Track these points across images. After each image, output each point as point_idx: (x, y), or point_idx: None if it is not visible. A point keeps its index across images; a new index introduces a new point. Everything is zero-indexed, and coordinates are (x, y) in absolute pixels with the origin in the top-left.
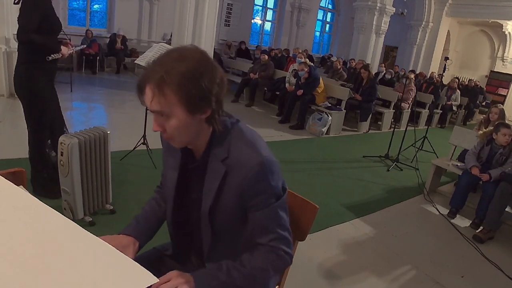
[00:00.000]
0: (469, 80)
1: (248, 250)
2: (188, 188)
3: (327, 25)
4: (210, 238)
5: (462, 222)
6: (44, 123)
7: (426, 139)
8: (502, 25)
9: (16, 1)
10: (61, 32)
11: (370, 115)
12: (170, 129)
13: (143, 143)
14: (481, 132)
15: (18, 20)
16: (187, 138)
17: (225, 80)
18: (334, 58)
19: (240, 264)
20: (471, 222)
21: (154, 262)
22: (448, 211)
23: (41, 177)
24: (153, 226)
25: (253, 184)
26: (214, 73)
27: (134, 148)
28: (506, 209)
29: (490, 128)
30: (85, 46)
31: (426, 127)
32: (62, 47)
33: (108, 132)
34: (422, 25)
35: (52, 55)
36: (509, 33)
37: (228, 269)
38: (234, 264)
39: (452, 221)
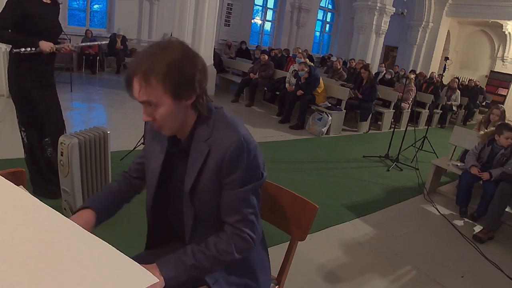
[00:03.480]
0: (469, 80)
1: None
2: (171, 174)
3: (327, 25)
4: (192, 220)
5: (462, 222)
6: (31, 124)
7: (426, 139)
8: (502, 25)
9: None
10: (63, 33)
11: (370, 115)
12: (159, 118)
13: (143, 143)
14: (482, 132)
15: None
16: (175, 124)
17: (206, 67)
18: (334, 58)
19: (205, 247)
20: (471, 213)
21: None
22: (459, 211)
23: (38, 178)
24: (112, 204)
25: (229, 160)
26: (195, 61)
27: (134, 148)
28: (506, 209)
29: (492, 128)
30: (107, 42)
31: (426, 127)
32: (42, 42)
33: (108, 132)
34: (422, 25)
35: (21, 49)
36: (509, 33)
37: (194, 252)
38: (199, 247)
39: (452, 221)
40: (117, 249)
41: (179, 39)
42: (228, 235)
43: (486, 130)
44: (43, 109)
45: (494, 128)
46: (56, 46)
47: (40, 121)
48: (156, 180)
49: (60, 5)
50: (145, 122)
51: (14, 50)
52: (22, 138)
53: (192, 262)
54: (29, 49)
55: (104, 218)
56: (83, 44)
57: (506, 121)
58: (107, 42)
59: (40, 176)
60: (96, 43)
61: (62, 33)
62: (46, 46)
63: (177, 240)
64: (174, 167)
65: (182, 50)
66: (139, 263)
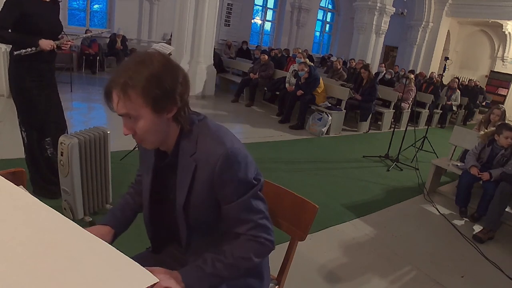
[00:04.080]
0: (469, 80)
1: (229, 239)
2: (163, 188)
3: (327, 25)
4: (186, 232)
5: (462, 222)
6: (31, 124)
7: (426, 139)
8: (502, 25)
9: None
10: (62, 33)
11: (370, 115)
12: (140, 131)
13: None
14: (482, 132)
15: None
16: (157, 138)
17: (188, 79)
18: (334, 58)
19: (223, 256)
20: (471, 214)
21: (154, 263)
22: (459, 211)
23: (38, 178)
24: (128, 217)
25: (219, 175)
26: (176, 73)
27: (134, 148)
28: (506, 209)
29: (492, 129)
30: (104, 32)
31: (426, 127)
32: (41, 40)
33: (108, 132)
34: (422, 25)
35: (22, 50)
36: (509, 33)
37: (213, 261)
38: (217, 256)
39: (452, 221)
40: (117, 249)
41: (159, 51)
42: (243, 241)
43: (486, 130)
44: (43, 109)
45: (494, 128)
46: (56, 42)
47: (40, 121)
48: (148, 195)
49: (60, 3)
50: None
51: (15, 53)
52: (23, 138)
53: (211, 271)
54: (29, 49)
55: (120, 231)
56: (82, 35)
57: (506, 121)
58: (108, 31)
59: (40, 176)
60: (91, 34)
61: (62, 32)
62: (46, 44)
63: (177, 242)
64: (165, 180)
65: (161, 63)
66: (139, 263)
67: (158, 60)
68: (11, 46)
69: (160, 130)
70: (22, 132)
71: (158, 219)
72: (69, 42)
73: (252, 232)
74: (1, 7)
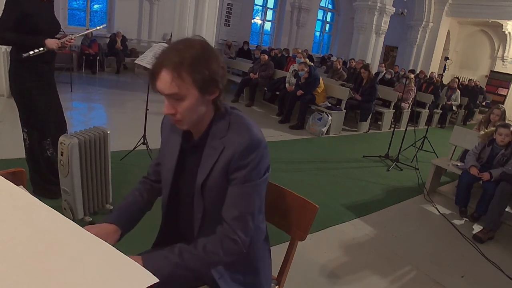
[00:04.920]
0: (469, 80)
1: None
2: (184, 171)
3: (327, 25)
4: (201, 215)
5: (462, 222)
6: (33, 124)
7: (426, 139)
8: (502, 25)
9: None
10: (61, 32)
11: (370, 115)
12: (182, 110)
13: (143, 143)
14: (482, 132)
15: None
16: (195, 119)
17: (226, 66)
18: (334, 58)
19: (193, 247)
20: (471, 213)
21: None
22: (458, 211)
23: (38, 178)
24: (135, 215)
25: (238, 159)
26: (218, 57)
27: (134, 148)
28: (506, 209)
29: (492, 128)
30: (101, 27)
31: (426, 127)
32: (47, 40)
33: (108, 132)
34: (422, 25)
35: (30, 52)
36: (509, 33)
37: (180, 251)
38: (187, 246)
39: (452, 221)
40: (117, 249)
41: (201, 37)
42: (219, 237)
43: (486, 130)
44: (43, 109)
45: (494, 128)
46: (61, 40)
47: (40, 121)
48: (171, 177)
49: (59, 3)
50: (161, 121)
51: (24, 55)
52: (24, 138)
53: (176, 261)
54: (37, 50)
55: (126, 231)
56: (82, 33)
57: (506, 121)
58: (105, 26)
59: (40, 176)
60: (91, 29)
61: (61, 32)
62: (52, 43)
63: (184, 240)
64: (187, 164)
65: (206, 47)
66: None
67: (203, 45)
68: (11, 47)
69: (200, 111)
70: (24, 132)
71: (174, 207)
72: (72, 40)
73: (233, 223)
74: (2, 11)
